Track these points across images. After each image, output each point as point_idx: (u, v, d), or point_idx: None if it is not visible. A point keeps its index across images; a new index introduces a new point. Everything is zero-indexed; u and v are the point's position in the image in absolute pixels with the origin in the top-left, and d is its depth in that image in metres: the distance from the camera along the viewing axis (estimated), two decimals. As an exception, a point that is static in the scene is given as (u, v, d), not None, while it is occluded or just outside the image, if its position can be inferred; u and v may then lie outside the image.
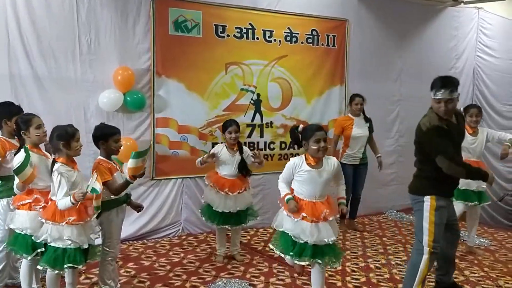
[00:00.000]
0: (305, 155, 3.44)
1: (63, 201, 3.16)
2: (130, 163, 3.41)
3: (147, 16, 5.22)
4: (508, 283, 4.31)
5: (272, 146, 6.11)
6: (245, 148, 4.75)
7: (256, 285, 4.05)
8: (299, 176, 3.40)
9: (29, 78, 4.73)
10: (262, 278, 4.24)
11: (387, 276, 4.39)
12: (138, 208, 3.87)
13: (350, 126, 5.79)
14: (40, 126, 3.45)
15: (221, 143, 4.84)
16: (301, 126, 3.51)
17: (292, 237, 3.34)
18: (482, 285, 4.21)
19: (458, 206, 4.64)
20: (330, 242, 3.36)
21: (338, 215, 3.56)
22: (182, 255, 4.86)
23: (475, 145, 4.91)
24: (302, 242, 3.31)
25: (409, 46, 7.14)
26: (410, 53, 7.13)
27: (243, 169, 4.59)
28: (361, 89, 6.65)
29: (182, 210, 5.59)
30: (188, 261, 4.68)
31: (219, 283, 4.03)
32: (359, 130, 5.80)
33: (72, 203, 3.13)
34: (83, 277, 4.10)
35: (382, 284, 4.18)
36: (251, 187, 4.79)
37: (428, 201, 3.44)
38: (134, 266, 4.47)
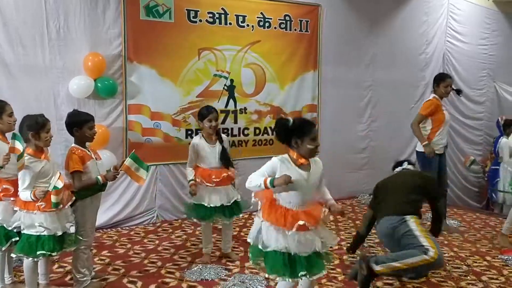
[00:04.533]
0: (290, 155, 2.87)
1: (24, 193, 3.19)
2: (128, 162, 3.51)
3: (117, 1, 5.12)
4: (476, 262, 4.45)
5: (246, 132, 6.11)
6: (224, 136, 4.33)
7: (231, 270, 4.07)
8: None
9: (-4, 65, 4.62)
10: (237, 262, 4.26)
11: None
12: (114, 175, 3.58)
13: (441, 109, 5.08)
14: (12, 114, 3.44)
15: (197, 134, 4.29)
16: (290, 118, 2.90)
17: (285, 254, 2.79)
18: (452, 265, 4.33)
19: None
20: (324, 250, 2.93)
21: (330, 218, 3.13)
22: (157, 242, 4.84)
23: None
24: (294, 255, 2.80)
25: (380, 32, 7.20)
26: (381, 39, 7.20)
27: (226, 160, 4.16)
28: (334, 75, 6.75)
29: (156, 197, 5.56)
30: (163, 248, 4.67)
31: (195, 269, 4.04)
32: (448, 114, 5.22)
33: (32, 199, 3.15)
34: (56, 266, 4.05)
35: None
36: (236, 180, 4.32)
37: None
38: (109, 254, 4.44)
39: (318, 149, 2.89)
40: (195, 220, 4.35)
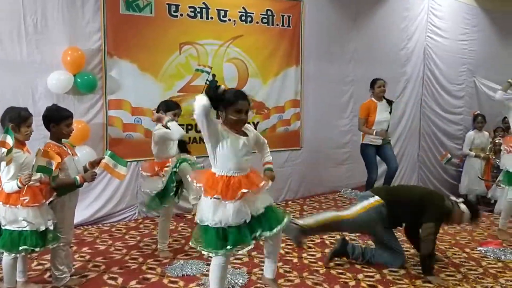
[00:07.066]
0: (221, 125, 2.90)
1: (9, 184, 3.16)
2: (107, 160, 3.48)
3: (96, -6, 5.06)
4: (455, 254, 4.51)
5: (228, 127, 6.08)
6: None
7: (213, 265, 4.06)
8: (221, 145, 2.84)
9: (-28, 60, 4.53)
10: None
11: (341, 251, 4.50)
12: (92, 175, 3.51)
13: (374, 110, 5.87)
14: None
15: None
16: (222, 87, 2.87)
17: (219, 229, 2.80)
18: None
19: None
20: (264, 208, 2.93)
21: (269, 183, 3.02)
22: (138, 238, 4.81)
23: None
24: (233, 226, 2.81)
25: (362, 27, 7.23)
26: (363, 34, 7.23)
27: (183, 148, 4.31)
28: (316, 70, 6.77)
29: (137, 194, 5.51)
30: (144, 244, 4.63)
31: (176, 264, 4.03)
32: (383, 115, 5.90)
33: (19, 187, 3.13)
34: (35, 263, 4.00)
35: (336, 259, 4.27)
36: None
37: None
38: (89, 251, 4.39)
39: (246, 126, 3.00)
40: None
